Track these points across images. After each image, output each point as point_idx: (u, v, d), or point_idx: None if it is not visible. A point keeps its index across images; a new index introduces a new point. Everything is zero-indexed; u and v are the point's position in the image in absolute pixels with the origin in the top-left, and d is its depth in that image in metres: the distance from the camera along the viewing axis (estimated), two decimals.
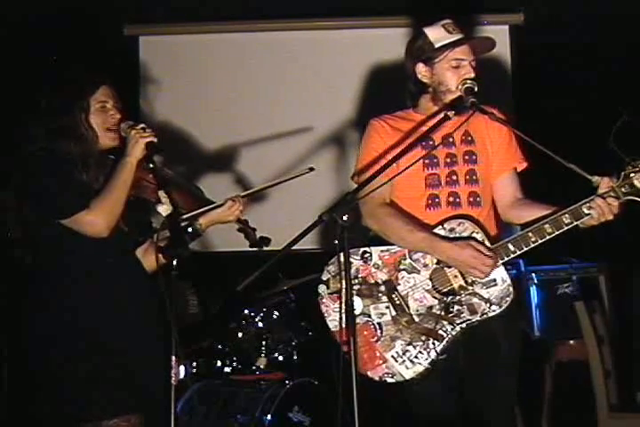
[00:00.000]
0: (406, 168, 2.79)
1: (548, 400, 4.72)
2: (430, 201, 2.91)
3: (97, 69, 2.88)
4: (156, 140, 2.70)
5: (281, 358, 4.32)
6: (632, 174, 2.69)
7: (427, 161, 2.92)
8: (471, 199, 2.92)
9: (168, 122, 5.08)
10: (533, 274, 4.86)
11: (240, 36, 5.23)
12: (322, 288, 2.98)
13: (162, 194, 2.54)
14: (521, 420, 4.39)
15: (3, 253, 2.82)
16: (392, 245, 2.92)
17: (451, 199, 2.91)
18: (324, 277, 2.97)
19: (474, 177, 2.93)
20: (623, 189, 2.70)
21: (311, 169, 2.96)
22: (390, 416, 3.95)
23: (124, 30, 5.18)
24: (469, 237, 2.83)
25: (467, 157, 2.94)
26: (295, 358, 4.35)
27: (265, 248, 2.90)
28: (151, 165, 2.66)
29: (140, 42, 5.24)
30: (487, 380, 2.88)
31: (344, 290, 2.44)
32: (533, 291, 4.86)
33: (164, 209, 2.52)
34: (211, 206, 2.84)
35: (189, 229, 2.79)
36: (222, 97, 5.19)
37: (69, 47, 4.70)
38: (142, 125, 2.75)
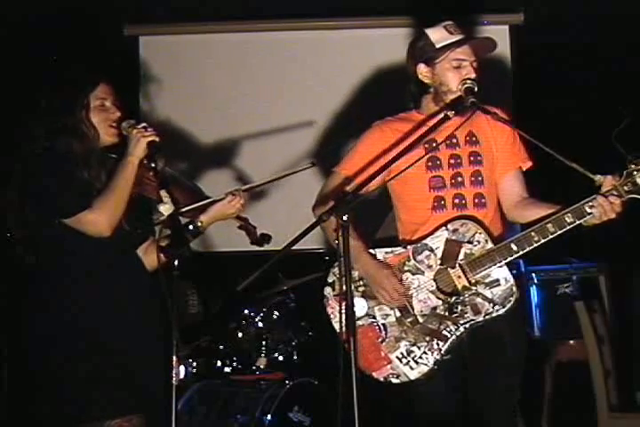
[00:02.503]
0: (405, 169, 2.79)
1: (548, 400, 4.72)
2: (436, 203, 2.91)
3: (95, 68, 2.87)
4: (157, 139, 2.70)
5: (281, 358, 4.32)
6: (635, 173, 2.69)
7: (429, 163, 2.92)
8: (476, 201, 2.92)
9: (168, 121, 5.07)
10: (533, 274, 4.86)
11: (240, 36, 5.22)
12: (327, 290, 2.99)
13: (163, 193, 2.54)
14: (521, 420, 4.39)
15: (3, 253, 2.81)
16: (396, 246, 2.94)
17: (456, 201, 2.91)
18: (330, 280, 2.99)
19: (479, 178, 2.92)
20: (626, 188, 2.70)
21: (313, 164, 2.95)
22: (391, 416, 3.95)
23: (124, 30, 5.16)
24: (472, 238, 2.83)
25: (472, 158, 2.93)
26: (295, 358, 4.35)
27: (266, 247, 2.90)
28: (153, 165, 2.66)
29: (140, 42, 5.22)
30: (488, 379, 2.88)
31: (344, 288, 2.43)
32: (533, 291, 4.86)
33: (166, 209, 2.51)
34: (210, 200, 2.83)
35: (190, 227, 2.78)
36: (222, 97, 5.18)
37: (69, 47, 4.68)
38: (144, 124, 2.74)
